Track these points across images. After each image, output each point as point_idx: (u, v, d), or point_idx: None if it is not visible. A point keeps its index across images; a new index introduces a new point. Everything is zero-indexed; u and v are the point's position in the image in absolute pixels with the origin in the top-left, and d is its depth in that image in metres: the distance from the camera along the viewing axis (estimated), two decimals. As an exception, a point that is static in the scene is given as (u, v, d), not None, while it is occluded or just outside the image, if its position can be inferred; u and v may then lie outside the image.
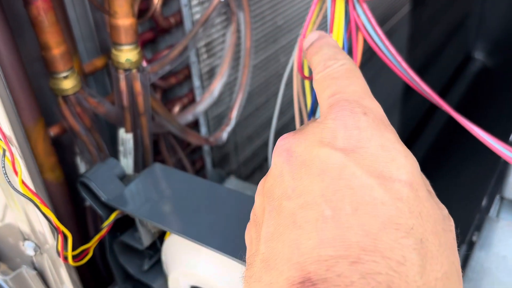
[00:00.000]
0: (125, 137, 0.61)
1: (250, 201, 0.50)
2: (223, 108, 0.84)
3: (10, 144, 0.39)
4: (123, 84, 0.57)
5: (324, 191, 0.23)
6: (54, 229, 0.42)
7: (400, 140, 0.27)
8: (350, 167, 0.24)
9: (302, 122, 0.59)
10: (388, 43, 0.50)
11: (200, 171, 0.88)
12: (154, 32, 0.72)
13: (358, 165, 0.24)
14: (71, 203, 0.67)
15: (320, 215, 0.23)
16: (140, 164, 0.64)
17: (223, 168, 0.91)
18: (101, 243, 0.56)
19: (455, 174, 1.90)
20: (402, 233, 0.22)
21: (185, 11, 0.69)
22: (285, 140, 0.29)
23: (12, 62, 0.55)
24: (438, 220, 0.24)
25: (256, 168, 1.01)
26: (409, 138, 2.09)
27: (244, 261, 0.31)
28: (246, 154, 0.96)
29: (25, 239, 0.52)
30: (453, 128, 2.19)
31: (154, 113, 0.65)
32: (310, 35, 0.39)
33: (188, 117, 0.75)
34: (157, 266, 0.57)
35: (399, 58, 0.51)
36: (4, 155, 0.38)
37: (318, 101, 0.32)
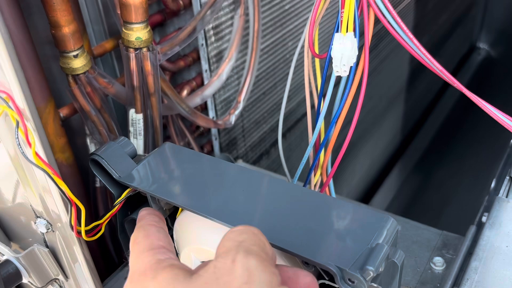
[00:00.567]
0: (136, 118, 0.61)
1: (260, 178, 0.50)
2: (230, 92, 0.84)
3: (23, 117, 0.39)
4: (133, 64, 0.57)
5: None
6: (68, 201, 0.43)
7: None
8: None
9: (312, 104, 0.59)
10: (399, 20, 0.50)
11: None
12: (163, 15, 0.72)
13: None
14: (82, 184, 0.67)
15: None
16: (150, 146, 0.64)
17: (231, 152, 0.91)
18: (111, 223, 0.57)
19: (461, 161, 1.90)
20: None
21: (193, -8, 0.69)
22: None
23: (22, 41, 0.55)
24: None
25: (263, 153, 1.01)
26: (414, 125, 2.09)
27: None
28: (253, 139, 0.97)
29: (37, 217, 0.52)
30: (459, 114, 2.20)
31: (163, 95, 0.65)
32: None
33: (197, 100, 0.75)
34: (168, 244, 0.57)
35: (411, 35, 0.51)
36: (17, 126, 0.38)
37: None
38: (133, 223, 0.56)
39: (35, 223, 0.53)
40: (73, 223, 0.44)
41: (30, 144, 0.39)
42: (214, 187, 0.50)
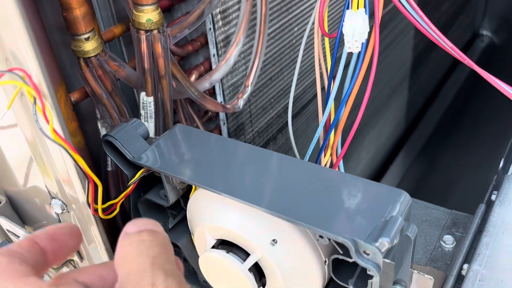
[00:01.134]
0: (146, 101, 0.61)
1: (271, 155, 0.50)
2: (237, 77, 0.84)
3: (40, 93, 0.39)
4: (144, 46, 0.57)
5: None
6: (85, 177, 0.43)
7: None
8: None
9: (322, 85, 0.60)
10: (409, -3, 0.50)
11: (215, 141, 0.88)
12: (171, 0, 0.72)
13: None
14: (93, 169, 0.68)
15: None
16: (161, 129, 0.65)
17: (239, 138, 0.91)
18: (123, 206, 0.57)
19: (466, 145, 1.91)
20: None
21: (201, -24, 0.69)
22: None
23: (34, 25, 0.55)
24: None
25: (270, 138, 1.02)
26: (419, 112, 2.09)
27: None
28: (260, 124, 0.97)
29: (52, 198, 0.52)
30: (463, 99, 2.19)
31: (173, 79, 0.66)
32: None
33: (205, 85, 0.75)
34: (181, 225, 0.57)
35: (421, 13, 0.51)
36: (35, 103, 0.39)
37: None
38: (146, 204, 0.57)
39: (50, 204, 0.53)
40: (90, 200, 0.44)
41: (47, 121, 0.39)
42: (226, 165, 0.50)
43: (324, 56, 0.59)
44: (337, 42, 0.52)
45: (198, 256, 0.51)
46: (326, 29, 0.54)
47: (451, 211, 0.68)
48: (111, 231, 0.74)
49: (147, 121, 0.62)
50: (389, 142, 1.85)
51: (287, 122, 1.07)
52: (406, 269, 0.47)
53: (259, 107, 0.95)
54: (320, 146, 0.61)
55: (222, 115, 0.85)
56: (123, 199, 0.51)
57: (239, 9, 0.78)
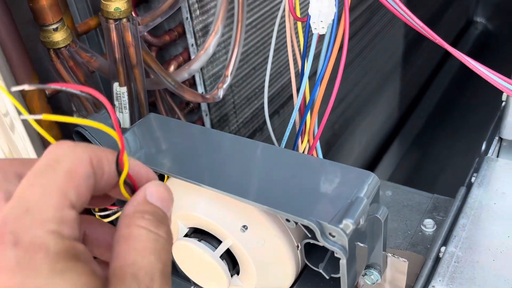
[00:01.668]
0: (120, 91, 0.61)
1: (243, 142, 0.50)
2: (218, 67, 0.84)
3: None
4: (113, 35, 0.56)
5: None
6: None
7: None
8: None
9: (296, 66, 0.59)
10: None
11: (199, 132, 0.88)
12: (146, -11, 0.71)
13: None
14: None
15: None
16: (137, 119, 0.64)
17: (223, 129, 0.91)
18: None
19: (457, 132, 1.91)
20: None
21: (175, -35, 0.68)
22: None
23: (3, 20, 0.55)
24: None
25: (256, 129, 1.01)
26: (412, 101, 2.08)
27: None
28: (245, 115, 0.96)
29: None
30: (455, 89, 2.18)
31: (148, 69, 0.65)
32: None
33: (184, 75, 0.74)
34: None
35: (404, 8, 0.50)
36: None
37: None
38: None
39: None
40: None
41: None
42: (200, 153, 0.50)
43: (298, 37, 0.58)
44: (308, 23, 0.52)
45: (172, 246, 0.51)
46: (298, 13, 0.53)
47: (432, 195, 0.68)
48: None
49: (122, 112, 0.62)
50: (382, 133, 1.85)
51: (274, 111, 1.06)
52: (378, 252, 0.46)
53: (243, 97, 0.94)
54: (297, 131, 0.61)
55: (204, 106, 0.85)
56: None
57: (216, -3, 0.77)
